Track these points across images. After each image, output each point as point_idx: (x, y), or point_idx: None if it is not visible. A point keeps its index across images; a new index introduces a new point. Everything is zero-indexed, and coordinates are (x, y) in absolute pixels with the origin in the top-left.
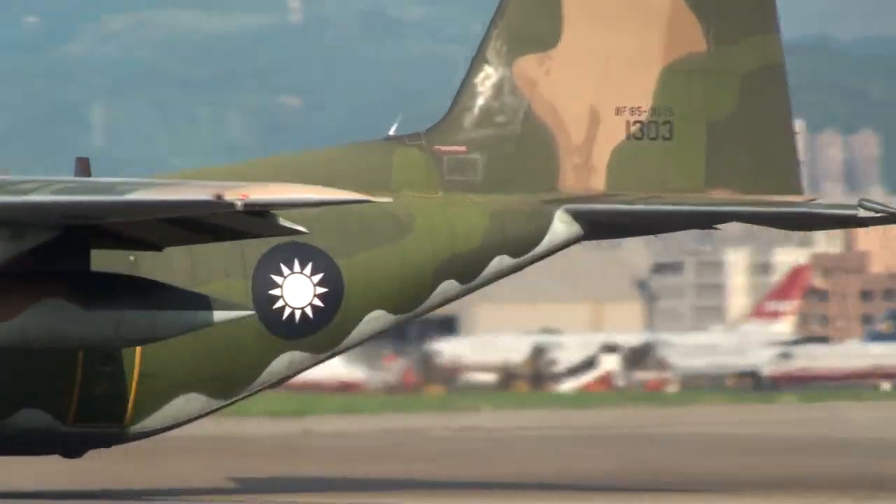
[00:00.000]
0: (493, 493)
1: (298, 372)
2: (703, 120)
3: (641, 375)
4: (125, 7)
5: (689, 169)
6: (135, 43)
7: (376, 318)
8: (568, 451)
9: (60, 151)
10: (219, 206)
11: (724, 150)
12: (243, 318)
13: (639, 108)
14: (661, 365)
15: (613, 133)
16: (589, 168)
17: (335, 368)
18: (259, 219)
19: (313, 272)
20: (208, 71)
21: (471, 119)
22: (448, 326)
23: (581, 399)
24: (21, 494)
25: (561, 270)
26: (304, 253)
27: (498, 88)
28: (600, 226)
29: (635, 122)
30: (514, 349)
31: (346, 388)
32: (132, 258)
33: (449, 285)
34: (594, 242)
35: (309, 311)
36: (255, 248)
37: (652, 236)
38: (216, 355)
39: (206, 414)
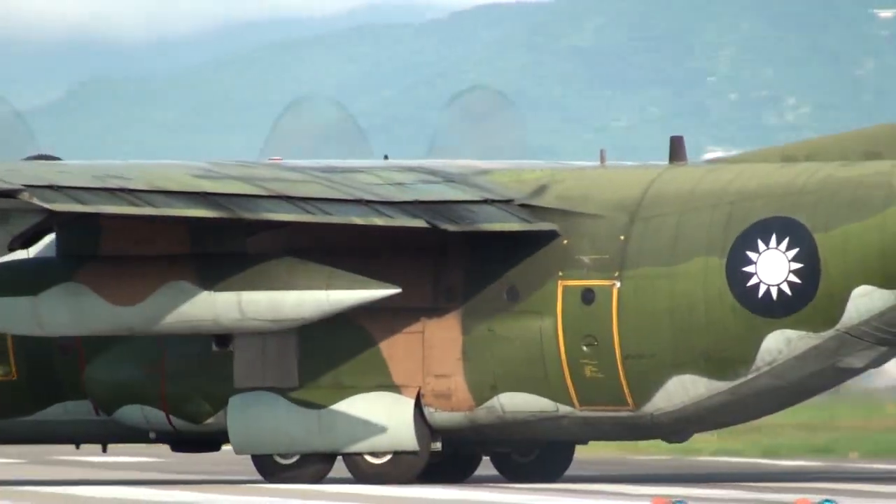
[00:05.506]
0: None
1: (814, 354)
2: None
3: None
4: None
5: None
6: None
7: (867, 294)
8: None
9: None
10: None
11: None
12: (717, 296)
13: None
14: None
15: None
16: None
17: None
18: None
19: (789, 247)
20: None
21: None
22: None
23: None
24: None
25: None
26: (782, 228)
27: None
28: None
29: None
30: None
31: None
32: (623, 236)
33: None
34: None
35: (786, 287)
36: (737, 224)
37: None
38: (697, 335)
39: (727, 397)
